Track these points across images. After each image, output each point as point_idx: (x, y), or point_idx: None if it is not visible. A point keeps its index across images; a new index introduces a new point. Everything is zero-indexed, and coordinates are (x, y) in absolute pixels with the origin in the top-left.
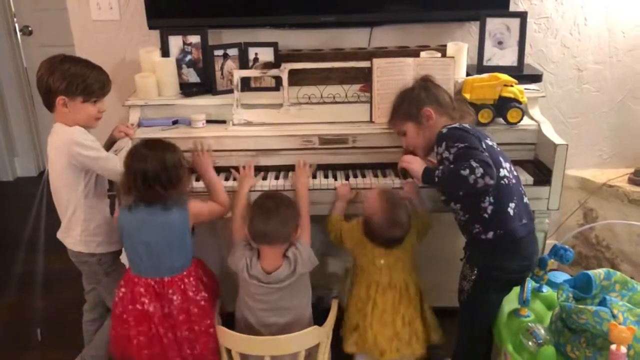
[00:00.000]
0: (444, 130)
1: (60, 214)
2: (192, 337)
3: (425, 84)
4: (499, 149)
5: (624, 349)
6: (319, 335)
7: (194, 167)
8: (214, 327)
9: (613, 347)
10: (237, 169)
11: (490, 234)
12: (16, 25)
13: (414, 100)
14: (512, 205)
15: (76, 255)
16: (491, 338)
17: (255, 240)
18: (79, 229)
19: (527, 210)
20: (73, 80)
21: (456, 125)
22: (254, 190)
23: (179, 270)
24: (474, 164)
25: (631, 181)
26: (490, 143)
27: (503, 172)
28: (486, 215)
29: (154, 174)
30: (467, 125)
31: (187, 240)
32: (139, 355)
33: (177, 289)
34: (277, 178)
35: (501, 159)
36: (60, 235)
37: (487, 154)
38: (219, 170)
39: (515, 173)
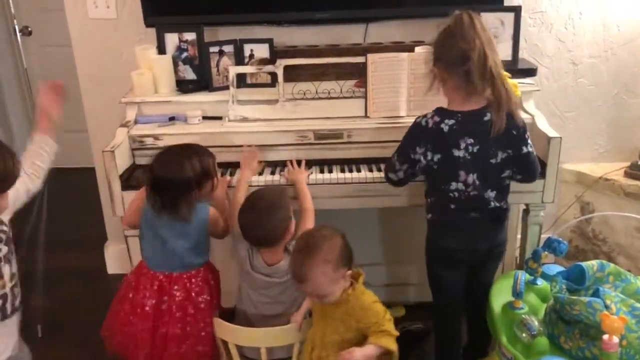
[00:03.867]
0: (417, 119)
1: None
2: (182, 335)
3: (452, 29)
4: (469, 157)
5: (616, 339)
6: None
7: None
8: (206, 330)
9: (605, 337)
10: (235, 165)
11: (429, 216)
12: (16, 25)
13: (433, 52)
14: (454, 206)
15: None
16: (487, 331)
17: (249, 243)
18: None
19: (487, 208)
20: None
21: (427, 117)
22: (251, 186)
23: (190, 268)
24: (385, 168)
25: (627, 174)
26: (457, 154)
27: (455, 186)
28: (429, 200)
29: (163, 182)
30: (430, 124)
31: (204, 242)
32: (126, 343)
33: (182, 286)
34: (272, 173)
35: (461, 172)
36: None
37: (403, 166)
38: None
39: (478, 183)
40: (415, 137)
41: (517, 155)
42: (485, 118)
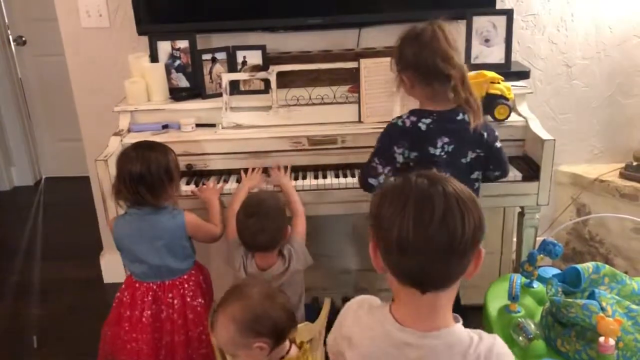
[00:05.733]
0: (392, 120)
1: None
2: (186, 341)
3: (426, 41)
4: (445, 156)
5: (612, 341)
6: (311, 331)
7: (201, 195)
8: (205, 333)
9: (601, 339)
10: (228, 172)
11: None
12: (10, 35)
13: (397, 59)
14: None
15: None
16: None
17: (249, 250)
18: None
19: None
20: None
21: (403, 118)
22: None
23: (179, 274)
24: (364, 174)
25: (622, 175)
26: (432, 152)
27: None
28: None
29: (139, 175)
30: (408, 123)
31: (186, 244)
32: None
33: (177, 293)
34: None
35: (435, 169)
36: None
37: (386, 169)
38: (210, 173)
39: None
40: (393, 137)
41: (488, 154)
42: (458, 117)
